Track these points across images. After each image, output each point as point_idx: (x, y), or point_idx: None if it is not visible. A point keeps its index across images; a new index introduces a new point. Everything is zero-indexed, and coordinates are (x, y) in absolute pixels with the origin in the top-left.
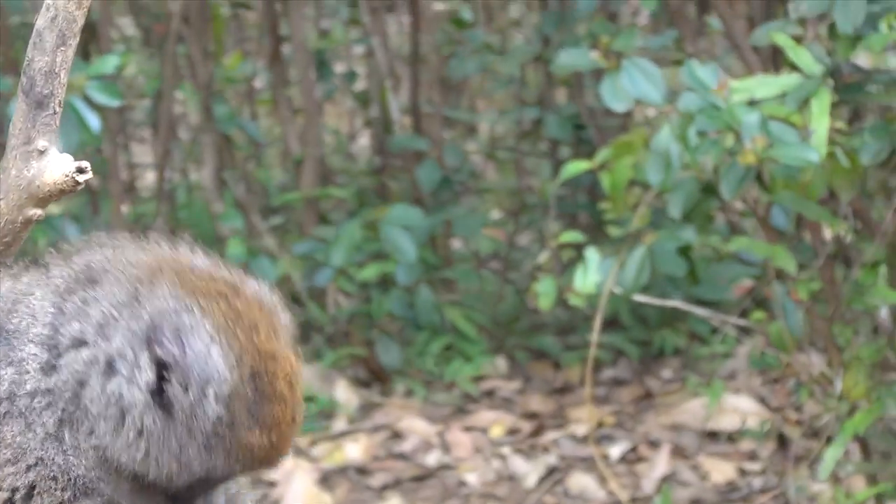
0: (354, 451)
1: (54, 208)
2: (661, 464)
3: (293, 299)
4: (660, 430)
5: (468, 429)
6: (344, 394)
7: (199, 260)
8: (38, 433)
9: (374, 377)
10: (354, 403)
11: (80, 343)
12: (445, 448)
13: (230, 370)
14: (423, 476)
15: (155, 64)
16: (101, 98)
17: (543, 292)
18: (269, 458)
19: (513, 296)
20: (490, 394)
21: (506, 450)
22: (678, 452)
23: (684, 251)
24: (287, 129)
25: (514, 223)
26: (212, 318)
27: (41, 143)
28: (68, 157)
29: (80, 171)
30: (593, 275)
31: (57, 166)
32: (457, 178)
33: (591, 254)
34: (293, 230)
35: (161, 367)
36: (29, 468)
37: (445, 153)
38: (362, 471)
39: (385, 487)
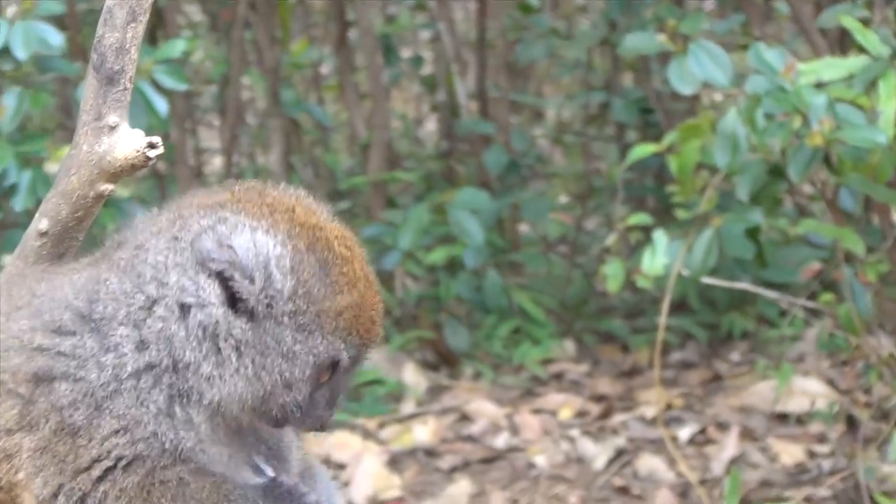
0: (423, 433)
1: (122, 191)
2: (730, 446)
3: None
4: (729, 412)
5: (537, 411)
6: (412, 376)
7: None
8: (150, 409)
9: (443, 360)
10: (423, 386)
11: (150, 304)
12: (514, 430)
13: (282, 245)
14: (492, 458)
15: (222, 49)
16: (169, 82)
17: (612, 274)
18: (364, 325)
19: (580, 279)
20: (558, 376)
21: (574, 432)
22: (747, 434)
23: (752, 234)
24: (354, 113)
25: (582, 207)
26: (247, 214)
27: (112, 118)
28: (139, 133)
29: (152, 146)
30: (661, 257)
31: (128, 142)
32: (524, 162)
33: (659, 236)
34: (360, 214)
35: (222, 280)
36: (139, 440)
37: (512, 137)
38: (431, 453)
39: (454, 469)
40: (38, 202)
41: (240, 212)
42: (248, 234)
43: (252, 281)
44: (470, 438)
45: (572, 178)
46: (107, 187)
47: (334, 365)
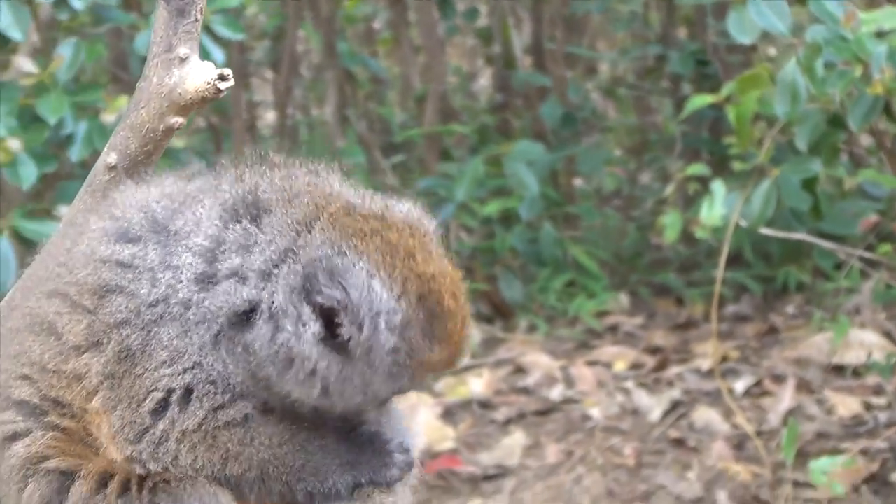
0: (478, 385)
1: (178, 141)
2: (786, 398)
3: None
4: (784, 364)
5: (591, 363)
6: None
7: (353, 195)
8: (194, 340)
9: (498, 312)
10: (477, 338)
11: (240, 279)
12: (569, 382)
13: (397, 300)
14: (547, 410)
15: (275, 3)
16: (225, 31)
17: (669, 225)
18: (450, 365)
19: (635, 232)
20: (613, 329)
21: (629, 384)
22: (803, 387)
23: (809, 185)
24: (409, 66)
25: (636, 160)
26: (367, 255)
27: (182, 50)
28: (210, 65)
29: (222, 78)
30: (719, 208)
31: (199, 74)
32: (579, 115)
33: (718, 187)
34: (414, 167)
35: (327, 314)
36: (185, 371)
37: (568, 90)
38: (486, 405)
39: (509, 421)
40: (95, 152)
41: (362, 250)
42: (363, 279)
43: (360, 328)
44: (525, 390)
45: (626, 131)
46: (177, 120)
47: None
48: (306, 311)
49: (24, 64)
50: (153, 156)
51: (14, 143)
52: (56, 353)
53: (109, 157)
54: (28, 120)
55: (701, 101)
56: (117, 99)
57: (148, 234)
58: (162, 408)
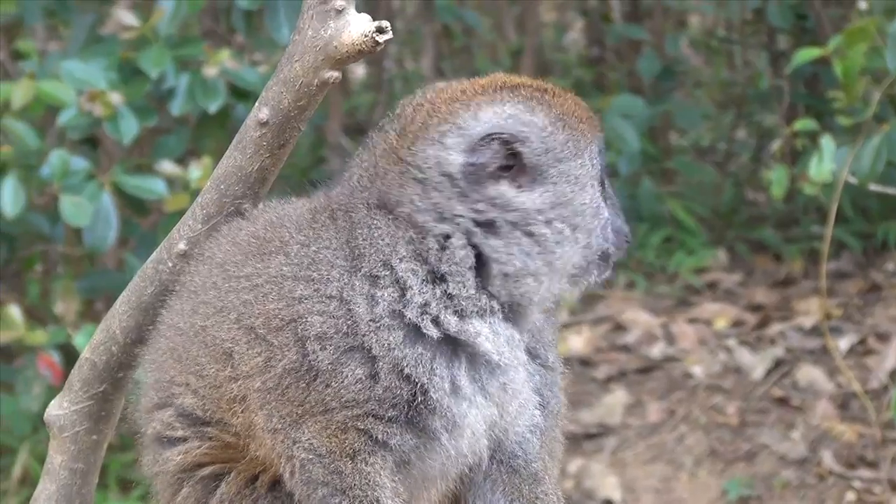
0: (577, 342)
1: None
2: (891, 356)
3: None
4: (888, 322)
5: (692, 321)
6: None
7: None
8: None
9: None
10: (576, 295)
11: (444, 239)
12: (670, 340)
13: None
14: (648, 368)
15: None
16: None
17: (776, 181)
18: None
19: (731, 188)
20: (712, 286)
21: (731, 342)
22: None
23: None
24: (503, 19)
25: (733, 115)
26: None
27: (339, 2)
28: (366, 17)
29: (381, 30)
30: (828, 163)
31: (355, 26)
32: (677, 68)
33: (827, 142)
34: None
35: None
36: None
37: (666, 44)
38: (586, 362)
39: (609, 379)
40: (196, 107)
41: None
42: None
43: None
44: (625, 348)
45: (720, 86)
46: (332, 74)
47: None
48: (486, 153)
49: (125, 17)
50: (307, 111)
51: (115, 97)
52: (228, 377)
53: (261, 112)
54: (129, 74)
55: (808, 54)
56: (218, 52)
57: (345, 275)
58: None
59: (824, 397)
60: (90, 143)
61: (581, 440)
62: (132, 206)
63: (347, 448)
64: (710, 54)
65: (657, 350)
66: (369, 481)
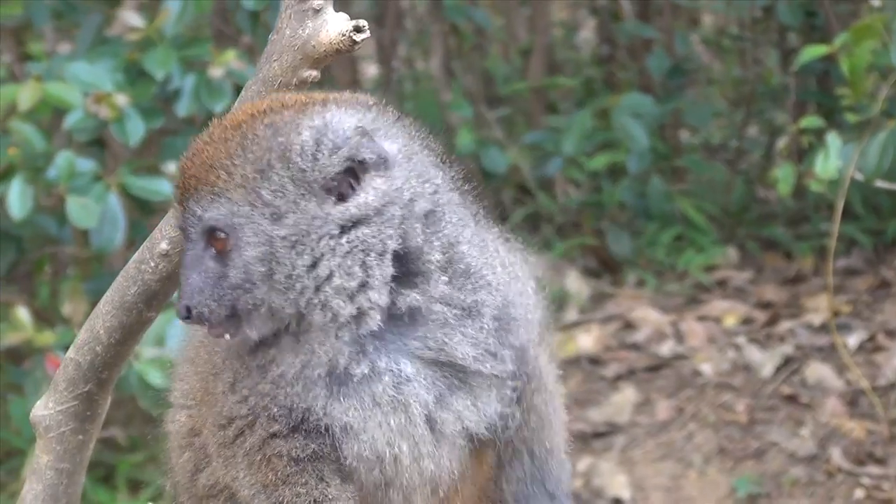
0: (586, 341)
1: None
2: None
3: (522, 189)
4: None
5: (702, 318)
6: (575, 284)
7: None
8: None
9: (605, 267)
10: (585, 293)
11: None
12: (679, 338)
13: None
14: (657, 366)
15: None
16: None
17: (782, 178)
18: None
19: (742, 185)
20: (722, 283)
21: (741, 339)
22: None
23: None
24: (513, 18)
25: (744, 113)
26: None
27: (316, 1)
28: (344, 16)
29: (358, 30)
30: (834, 160)
31: (333, 25)
32: (686, 67)
33: (833, 139)
34: (519, 120)
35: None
36: None
37: (675, 42)
38: (595, 361)
39: (618, 378)
40: (202, 108)
41: None
42: None
43: None
44: (634, 346)
45: (731, 83)
46: (310, 73)
47: None
48: None
49: (131, 18)
50: None
51: (121, 99)
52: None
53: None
54: (134, 75)
55: (815, 51)
56: (224, 53)
57: None
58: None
59: (833, 394)
60: (97, 144)
61: (590, 439)
62: (139, 207)
63: (279, 476)
64: (721, 52)
65: (666, 348)
66: (314, 498)
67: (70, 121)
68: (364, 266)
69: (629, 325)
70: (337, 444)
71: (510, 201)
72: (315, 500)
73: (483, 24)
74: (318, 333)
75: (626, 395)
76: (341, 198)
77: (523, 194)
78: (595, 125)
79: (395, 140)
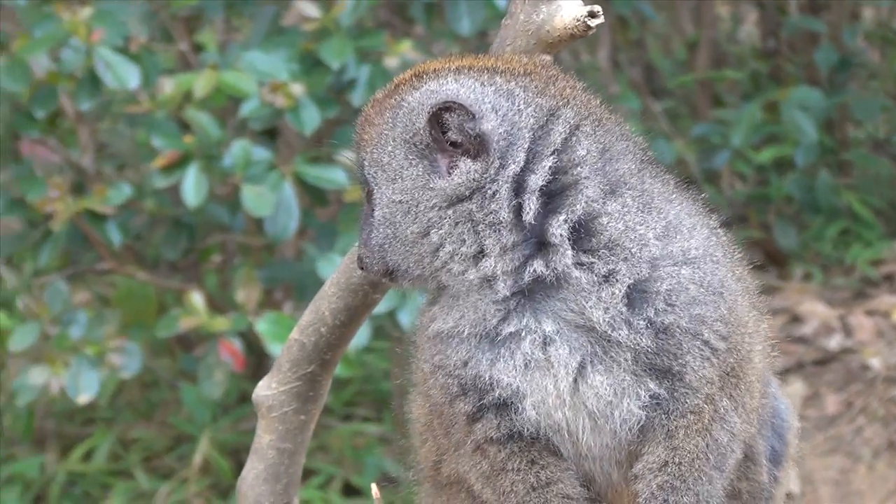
0: None
1: None
2: None
3: (688, 182)
4: None
5: (870, 313)
6: None
7: None
8: None
9: (772, 260)
10: None
11: None
12: (847, 332)
13: None
14: (825, 360)
15: None
16: None
17: None
18: None
19: None
20: (889, 278)
21: None
22: None
23: None
24: (680, 10)
25: None
26: None
27: None
28: (578, 2)
29: (592, 15)
30: None
31: (568, 10)
32: (854, 60)
33: None
34: (684, 113)
35: None
36: None
37: (843, 35)
38: None
39: (787, 371)
40: None
41: None
42: None
43: None
44: (802, 340)
45: (893, 77)
46: (544, 58)
47: None
48: None
49: (307, 8)
50: None
51: (297, 88)
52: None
53: None
54: (310, 65)
55: None
56: (400, 43)
57: None
58: None
59: None
60: (270, 134)
61: None
62: (312, 196)
63: (492, 465)
64: (886, 46)
65: (834, 342)
66: (531, 485)
67: (246, 109)
68: (476, 235)
69: (796, 319)
70: (519, 414)
71: None
72: (532, 487)
73: (649, 16)
74: (463, 295)
75: (795, 389)
76: (451, 168)
77: (689, 187)
78: (762, 118)
79: (520, 113)
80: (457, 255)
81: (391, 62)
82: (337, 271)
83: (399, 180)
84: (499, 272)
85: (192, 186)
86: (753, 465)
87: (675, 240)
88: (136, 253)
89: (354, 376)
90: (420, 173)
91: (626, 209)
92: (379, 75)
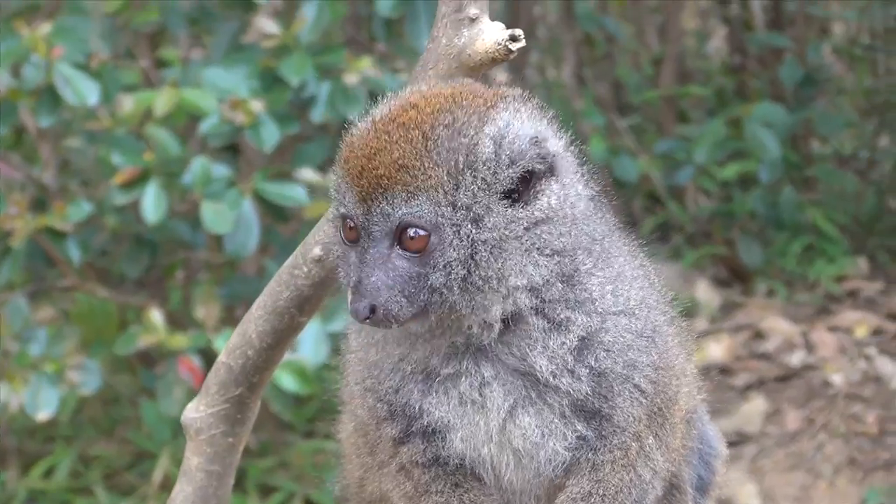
0: (717, 350)
1: None
2: None
3: (653, 198)
4: None
5: (832, 329)
6: (705, 293)
7: None
8: None
9: (736, 276)
10: (716, 303)
11: None
12: (809, 348)
13: None
14: (787, 376)
15: None
16: None
17: None
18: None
19: (873, 196)
20: (853, 294)
21: (871, 350)
22: None
23: None
24: (646, 26)
25: (875, 123)
26: None
27: (472, 10)
28: (500, 25)
29: (513, 39)
30: None
31: (489, 34)
32: (819, 76)
33: None
34: (650, 129)
35: None
36: None
37: (807, 51)
38: (725, 370)
39: (748, 387)
40: (336, 114)
41: None
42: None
43: None
44: (764, 356)
45: (862, 93)
46: (466, 82)
47: None
48: None
49: (266, 25)
50: None
51: (256, 105)
52: None
53: None
54: (270, 82)
55: None
56: (359, 60)
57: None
58: None
59: None
60: (230, 150)
61: None
62: (273, 213)
63: (416, 486)
64: (853, 62)
65: (796, 358)
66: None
67: (205, 126)
68: (536, 265)
69: (759, 335)
70: (447, 444)
71: (641, 210)
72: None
73: (615, 33)
74: (428, 331)
75: (756, 405)
76: (517, 200)
77: (654, 203)
78: (727, 134)
79: (559, 139)
80: (517, 286)
81: (351, 79)
82: (263, 294)
83: (485, 218)
84: (523, 305)
85: (152, 203)
86: (679, 493)
87: (621, 290)
88: (101, 270)
89: (315, 393)
90: (503, 207)
91: (596, 263)
92: (339, 92)
